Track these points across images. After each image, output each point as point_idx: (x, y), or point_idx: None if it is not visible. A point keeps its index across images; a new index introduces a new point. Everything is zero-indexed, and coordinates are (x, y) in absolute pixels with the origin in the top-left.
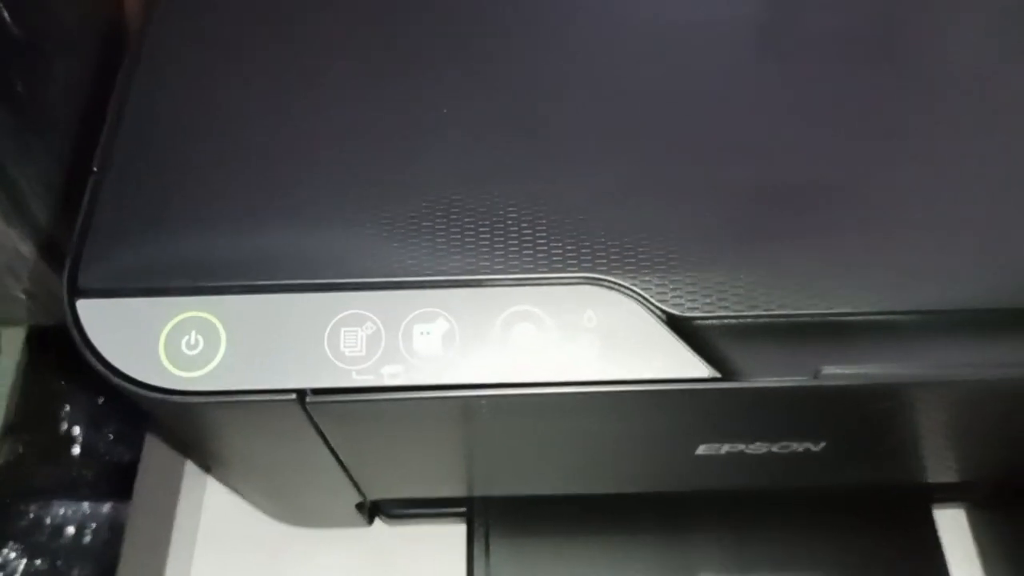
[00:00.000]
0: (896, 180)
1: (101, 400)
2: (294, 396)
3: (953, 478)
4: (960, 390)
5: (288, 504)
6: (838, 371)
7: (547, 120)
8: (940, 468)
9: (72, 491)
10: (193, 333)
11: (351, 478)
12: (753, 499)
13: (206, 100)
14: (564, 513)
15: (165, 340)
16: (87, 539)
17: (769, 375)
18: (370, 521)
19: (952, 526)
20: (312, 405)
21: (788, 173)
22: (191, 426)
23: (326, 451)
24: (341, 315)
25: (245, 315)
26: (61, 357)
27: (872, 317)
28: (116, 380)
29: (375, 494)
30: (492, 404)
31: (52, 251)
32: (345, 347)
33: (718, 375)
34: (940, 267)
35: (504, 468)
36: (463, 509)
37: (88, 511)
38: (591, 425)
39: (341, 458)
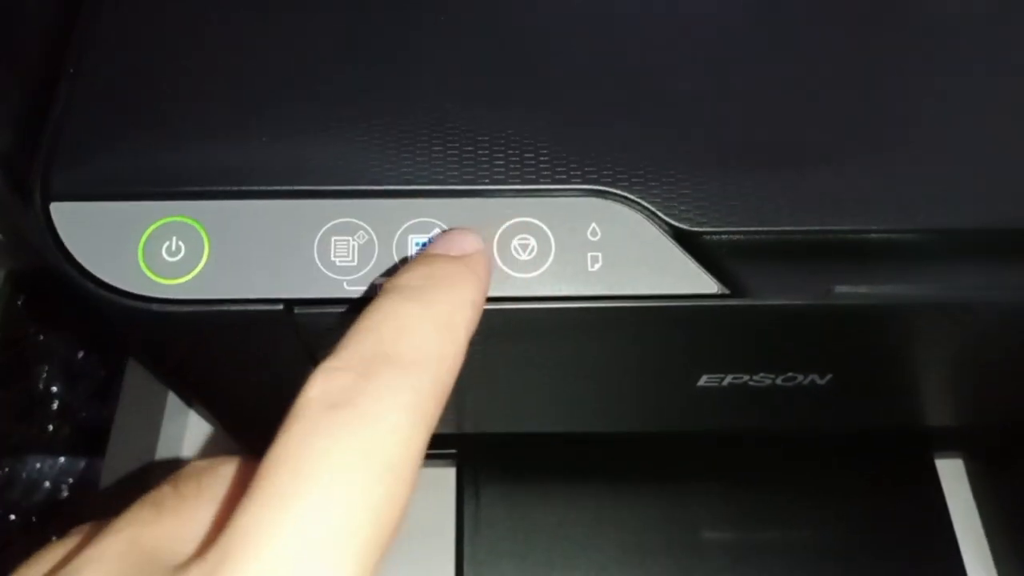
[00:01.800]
0: (907, 102)
1: (80, 354)
2: (282, 306)
3: (956, 421)
4: (974, 313)
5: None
6: (851, 290)
7: (550, 26)
8: (944, 408)
9: (48, 447)
10: (174, 239)
11: None
12: (752, 450)
13: (188, 5)
14: (556, 458)
15: (144, 246)
16: (63, 496)
17: (779, 293)
18: None
19: (951, 479)
20: (300, 316)
21: (800, 89)
22: (171, 339)
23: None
24: (332, 223)
25: (230, 221)
26: (39, 310)
27: (886, 236)
28: (92, 287)
29: None
30: (488, 320)
31: (22, 186)
32: (336, 257)
33: (727, 291)
34: (957, 185)
35: (496, 400)
36: (453, 451)
37: (64, 467)
38: (592, 348)
39: None
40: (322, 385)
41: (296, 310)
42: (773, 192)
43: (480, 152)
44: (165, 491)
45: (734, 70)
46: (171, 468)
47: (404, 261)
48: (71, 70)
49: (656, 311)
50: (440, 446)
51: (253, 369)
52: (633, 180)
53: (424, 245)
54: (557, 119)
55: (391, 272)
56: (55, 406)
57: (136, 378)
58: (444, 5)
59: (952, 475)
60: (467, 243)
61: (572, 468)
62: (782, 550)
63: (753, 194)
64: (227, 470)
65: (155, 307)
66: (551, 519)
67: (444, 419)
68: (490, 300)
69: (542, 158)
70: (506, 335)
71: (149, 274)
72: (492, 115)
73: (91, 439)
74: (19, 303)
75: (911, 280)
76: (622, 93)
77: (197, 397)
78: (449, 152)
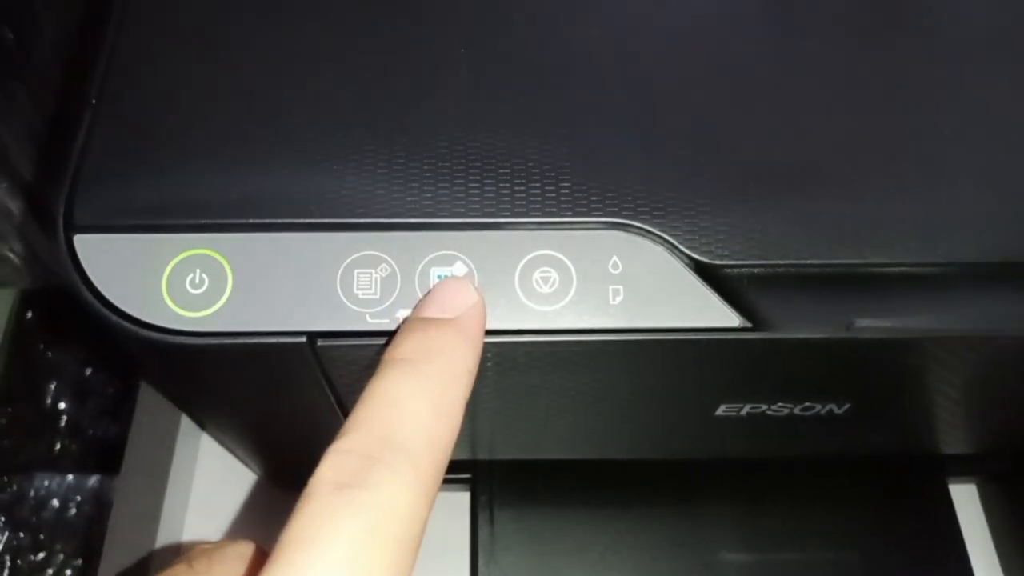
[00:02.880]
0: (934, 130)
1: (89, 371)
2: (304, 339)
3: (971, 448)
4: (995, 346)
5: (288, 464)
6: (872, 323)
7: (572, 61)
8: (959, 436)
9: (57, 464)
10: (198, 271)
11: None
12: (767, 473)
13: (213, 32)
14: (571, 483)
15: (168, 278)
16: (72, 513)
17: (800, 326)
18: None
19: (964, 501)
20: (322, 349)
21: (822, 122)
22: (192, 372)
23: (332, 402)
24: (354, 256)
25: (253, 254)
26: (49, 325)
27: (907, 269)
28: (116, 320)
29: None
30: (510, 353)
31: (39, 209)
32: (358, 289)
33: (748, 325)
34: (977, 218)
35: (515, 429)
36: (467, 476)
37: (73, 485)
38: (612, 379)
39: (348, 410)
40: (332, 467)
41: (319, 342)
42: (794, 225)
43: (501, 184)
44: (179, 569)
45: (755, 99)
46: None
47: (426, 294)
48: (93, 100)
49: (677, 344)
50: (455, 471)
51: (274, 399)
52: (654, 213)
53: (443, 277)
54: (578, 150)
55: (413, 305)
56: (64, 423)
57: (149, 398)
58: (465, 37)
59: (966, 499)
60: (460, 300)
61: (587, 491)
62: (797, 572)
63: (774, 227)
64: (237, 550)
65: (179, 339)
66: (566, 543)
67: (459, 445)
68: (511, 333)
69: (563, 190)
70: (527, 367)
71: (173, 306)
72: (513, 147)
73: (100, 456)
74: (29, 320)
75: (932, 312)
76: (642, 123)
77: (215, 424)
78: (471, 184)
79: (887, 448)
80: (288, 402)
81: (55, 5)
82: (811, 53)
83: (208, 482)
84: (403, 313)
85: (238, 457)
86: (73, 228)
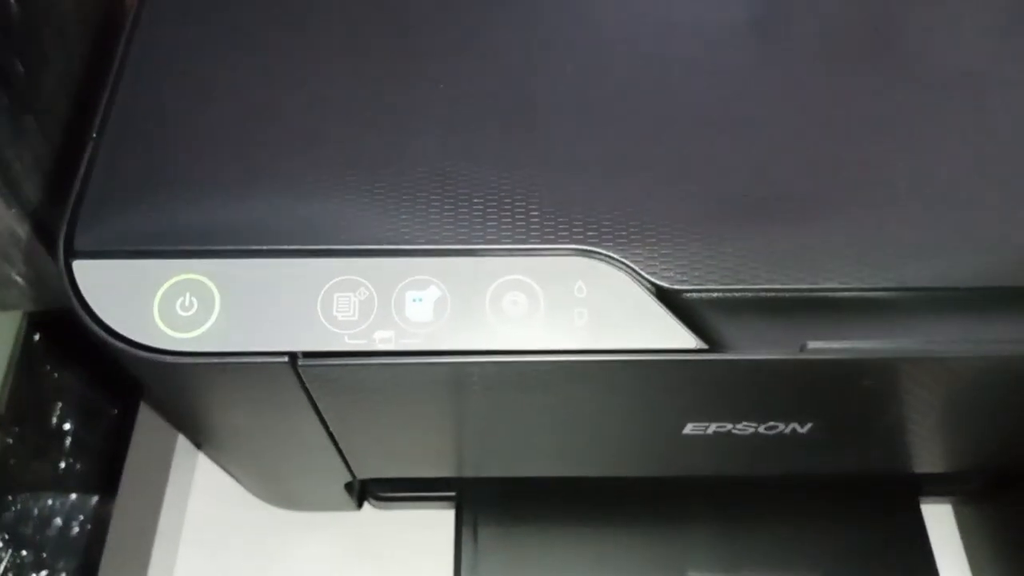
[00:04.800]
0: (885, 161)
1: (93, 392)
2: (286, 359)
3: (940, 468)
4: (945, 368)
5: (278, 483)
6: (824, 345)
7: (541, 97)
8: (927, 456)
9: (61, 484)
10: (188, 295)
11: (340, 453)
12: (742, 493)
13: (202, 71)
14: (553, 503)
15: (160, 301)
16: (74, 532)
17: (756, 348)
18: (359, 505)
19: (939, 521)
20: (304, 368)
21: (779, 153)
22: (184, 389)
23: (316, 421)
24: (335, 280)
25: (239, 278)
26: (55, 348)
27: (860, 293)
28: (111, 340)
29: (364, 472)
30: (481, 372)
31: (46, 234)
32: (338, 312)
33: (705, 346)
34: (928, 245)
35: (492, 445)
36: (452, 494)
37: (76, 504)
38: (580, 398)
39: (331, 429)
40: None
41: (300, 362)
42: (750, 251)
43: (474, 213)
44: None
45: (717, 130)
46: None
47: (402, 316)
48: (94, 134)
49: (638, 364)
50: (440, 488)
51: (261, 417)
52: (617, 240)
53: (420, 301)
54: (547, 179)
55: (389, 326)
56: (68, 443)
57: (147, 419)
58: (443, 71)
59: (941, 519)
60: None
61: (569, 510)
62: None
63: (731, 253)
64: None
65: (169, 359)
66: (548, 560)
67: (442, 463)
68: (483, 353)
69: (532, 218)
70: (498, 385)
71: (164, 328)
72: (486, 177)
73: (103, 476)
74: (36, 342)
75: (883, 335)
76: (609, 154)
77: (209, 443)
78: (445, 212)
79: (856, 468)
80: (274, 421)
81: (63, 40)
82: (772, 86)
83: (203, 501)
84: (380, 335)
85: (232, 476)
86: (73, 254)
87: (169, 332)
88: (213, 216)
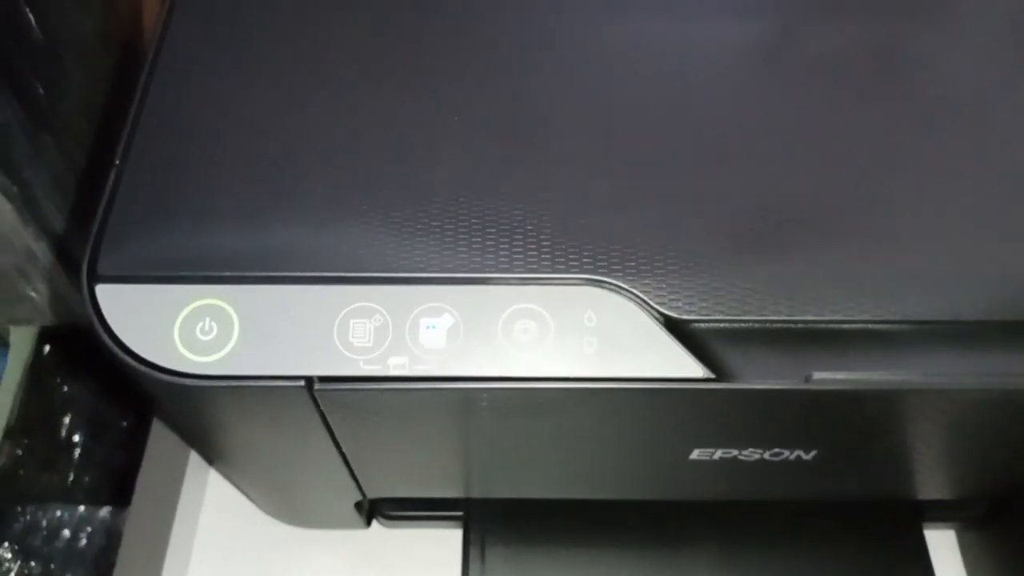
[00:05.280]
0: (892, 193)
1: (103, 405)
2: (303, 383)
3: (943, 495)
4: (948, 400)
5: (289, 501)
6: (829, 376)
7: (554, 127)
8: (930, 483)
9: (69, 495)
10: (207, 320)
11: (352, 473)
12: (745, 515)
13: (223, 99)
14: (560, 523)
15: (180, 326)
16: (82, 543)
17: (761, 378)
18: (368, 523)
19: (942, 547)
20: (320, 392)
21: (786, 184)
22: (201, 411)
23: (330, 442)
24: (351, 307)
25: (258, 304)
26: (66, 361)
27: (864, 325)
28: (132, 363)
29: (375, 492)
30: (493, 397)
31: (63, 252)
32: (353, 338)
33: (712, 376)
34: (932, 278)
35: (502, 469)
36: (460, 513)
37: (84, 516)
38: (588, 424)
39: (344, 450)
40: None
41: (316, 386)
42: (757, 282)
43: (488, 242)
44: None
45: (726, 161)
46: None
47: (416, 342)
48: (117, 161)
49: (645, 392)
50: (448, 508)
51: (276, 439)
52: (627, 270)
53: (434, 328)
54: (558, 209)
55: (404, 352)
56: (77, 455)
57: (161, 434)
58: (459, 103)
59: (944, 545)
60: None
61: (576, 533)
62: None
63: (739, 285)
64: None
65: (189, 382)
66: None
67: (451, 484)
68: (494, 379)
69: (544, 248)
70: (508, 411)
71: (184, 352)
72: (499, 207)
73: (112, 489)
74: (47, 355)
75: (887, 367)
76: (619, 185)
77: (223, 462)
78: (459, 241)
79: (860, 494)
80: (288, 442)
81: (83, 62)
82: (780, 115)
83: (215, 517)
84: (394, 360)
85: (243, 492)
86: (96, 279)
87: (189, 356)
88: (233, 242)
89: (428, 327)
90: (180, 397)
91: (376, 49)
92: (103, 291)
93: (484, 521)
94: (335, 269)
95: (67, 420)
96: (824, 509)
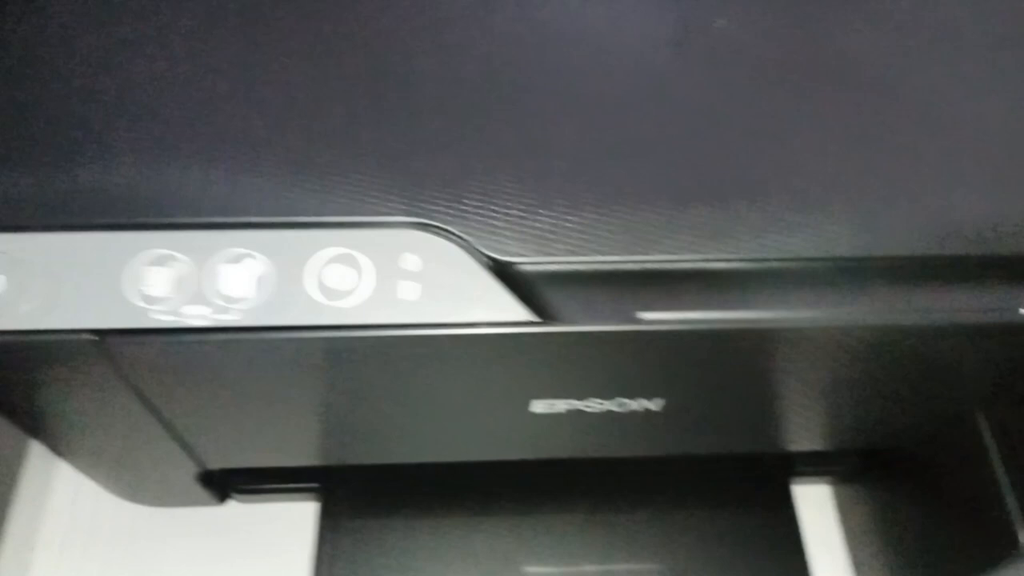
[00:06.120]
0: (724, 142)
1: None
2: (95, 337)
3: (803, 447)
4: (783, 340)
5: (127, 477)
6: (656, 316)
7: (389, 72)
8: (787, 435)
9: None
10: None
11: (181, 441)
12: (612, 474)
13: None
14: (414, 493)
15: None
16: None
17: (588, 320)
18: (221, 499)
19: (817, 502)
20: (113, 347)
21: (622, 132)
22: None
23: (142, 406)
24: (144, 254)
25: (35, 254)
26: None
27: (695, 265)
28: None
29: (215, 462)
30: (303, 348)
31: None
32: (149, 287)
33: (536, 319)
34: (756, 217)
35: (337, 430)
36: (315, 485)
37: None
38: (417, 376)
39: (164, 415)
40: None
41: (109, 340)
42: (587, 225)
43: (300, 181)
44: None
45: (570, 110)
46: None
47: (219, 291)
48: None
49: (468, 339)
50: (301, 479)
51: (87, 405)
52: (452, 213)
53: (239, 274)
54: (382, 151)
55: (205, 301)
56: None
57: None
58: (282, 43)
59: (820, 500)
60: None
61: (428, 505)
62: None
63: (565, 227)
64: None
65: None
66: (397, 551)
67: (286, 450)
68: (307, 329)
69: (361, 188)
70: (326, 365)
71: None
72: (315, 146)
73: None
74: None
75: (718, 307)
76: (450, 127)
77: (41, 435)
78: (268, 181)
79: (722, 448)
80: (103, 410)
81: None
82: (630, 72)
83: (62, 501)
84: (194, 310)
85: (82, 471)
86: None
87: None
88: (13, 188)
89: (232, 274)
90: None
91: None
92: None
93: (337, 492)
94: (128, 215)
95: None
96: (693, 466)
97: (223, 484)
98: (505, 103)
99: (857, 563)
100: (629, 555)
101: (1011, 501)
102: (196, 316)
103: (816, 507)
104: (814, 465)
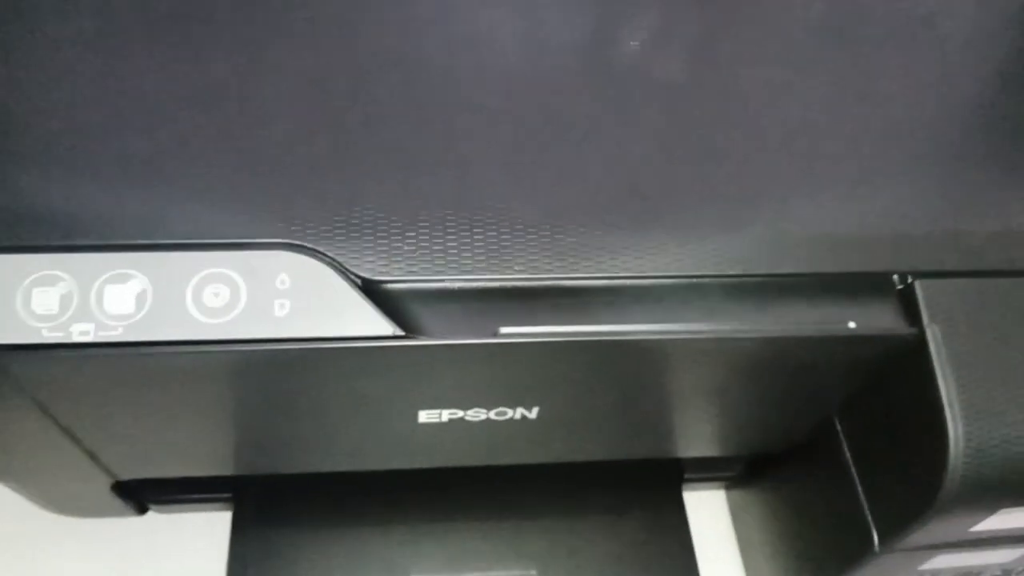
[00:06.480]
0: (590, 160)
1: None
2: None
3: (682, 453)
4: (629, 351)
5: (44, 488)
6: (515, 330)
7: (261, 93)
8: (657, 440)
9: None
10: None
11: (89, 454)
12: (507, 483)
13: None
14: (316, 501)
15: None
16: None
17: (452, 334)
18: (140, 510)
19: (711, 507)
20: (8, 362)
21: (478, 152)
22: None
23: (46, 419)
24: (34, 276)
25: None
26: None
27: (554, 282)
28: None
29: (125, 473)
30: (180, 363)
31: None
32: (37, 306)
33: (401, 332)
34: (610, 239)
35: (232, 440)
36: (228, 495)
37: None
38: (301, 389)
39: (66, 427)
40: None
41: (2, 355)
42: (451, 246)
43: (180, 207)
44: None
45: (432, 130)
46: None
47: (102, 309)
48: None
49: (337, 352)
50: (214, 489)
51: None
52: (322, 234)
53: (120, 294)
54: (257, 174)
55: (90, 318)
56: None
57: None
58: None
59: (714, 505)
60: None
61: (334, 512)
62: None
63: (435, 248)
64: None
65: None
66: (303, 556)
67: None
68: (179, 344)
69: (238, 211)
70: (206, 377)
71: None
72: (192, 170)
73: None
74: None
75: (570, 321)
76: (321, 148)
77: None
78: (151, 207)
79: (601, 453)
80: (7, 422)
81: None
82: (516, 87)
83: None
84: (79, 327)
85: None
86: None
87: None
88: None
89: (115, 294)
90: None
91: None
92: None
93: (249, 500)
94: (15, 239)
95: None
96: (586, 474)
97: (139, 495)
98: (373, 128)
99: (748, 566)
100: (515, 561)
101: (866, 504)
102: (81, 332)
103: (710, 513)
104: (703, 471)
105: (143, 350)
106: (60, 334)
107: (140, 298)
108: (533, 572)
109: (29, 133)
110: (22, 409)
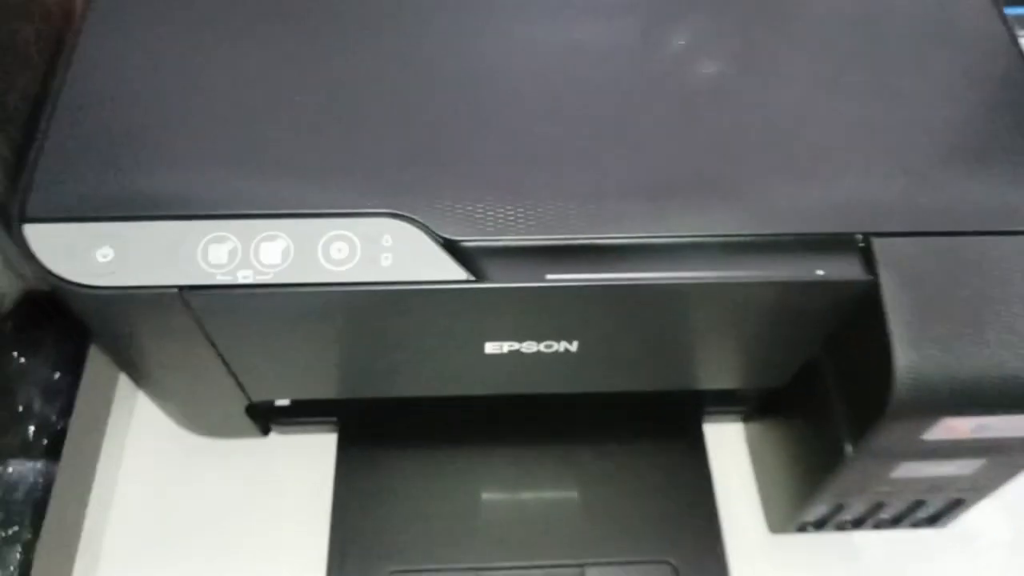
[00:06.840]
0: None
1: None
2: (176, 290)
3: (705, 386)
4: (653, 294)
5: (192, 409)
6: (557, 277)
7: (369, 88)
8: (680, 373)
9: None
10: (106, 247)
11: (234, 376)
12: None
13: (141, 66)
14: (409, 426)
15: (84, 253)
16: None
17: (511, 279)
18: (264, 431)
19: (730, 439)
20: (189, 297)
21: (533, 147)
22: (107, 320)
23: (209, 346)
24: (210, 236)
25: (139, 236)
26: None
27: (585, 241)
28: (54, 279)
29: (257, 395)
30: (314, 300)
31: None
32: (212, 258)
33: (472, 278)
34: (636, 208)
35: (348, 368)
36: (334, 419)
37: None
38: (396, 324)
39: (222, 353)
40: None
41: (185, 293)
42: (509, 213)
43: (314, 184)
44: None
45: (502, 122)
46: None
47: (258, 260)
48: (43, 124)
49: (425, 293)
50: (324, 414)
51: (167, 344)
52: (416, 205)
53: (271, 249)
54: (369, 161)
55: (250, 268)
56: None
57: (87, 386)
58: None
59: (733, 437)
60: None
61: (421, 434)
62: (544, 511)
63: (495, 214)
64: None
65: (92, 292)
66: (399, 482)
67: (317, 385)
68: (317, 285)
69: (356, 189)
70: (331, 313)
71: (89, 271)
72: (320, 155)
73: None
74: (6, 331)
75: (602, 272)
76: (415, 141)
77: (137, 376)
78: (292, 185)
79: (636, 385)
80: (179, 348)
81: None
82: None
83: (141, 437)
84: (242, 273)
85: (161, 409)
86: (24, 219)
87: (92, 274)
88: (121, 190)
89: (267, 249)
90: (90, 309)
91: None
92: (29, 229)
93: (352, 423)
94: (199, 209)
95: (22, 389)
96: (625, 411)
97: (265, 417)
98: (450, 124)
99: (761, 489)
100: (555, 484)
101: (841, 419)
102: (244, 276)
103: (729, 444)
104: (722, 404)
105: (287, 290)
106: (229, 278)
107: (285, 252)
108: (575, 492)
109: (213, 136)
110: (194, 338)
